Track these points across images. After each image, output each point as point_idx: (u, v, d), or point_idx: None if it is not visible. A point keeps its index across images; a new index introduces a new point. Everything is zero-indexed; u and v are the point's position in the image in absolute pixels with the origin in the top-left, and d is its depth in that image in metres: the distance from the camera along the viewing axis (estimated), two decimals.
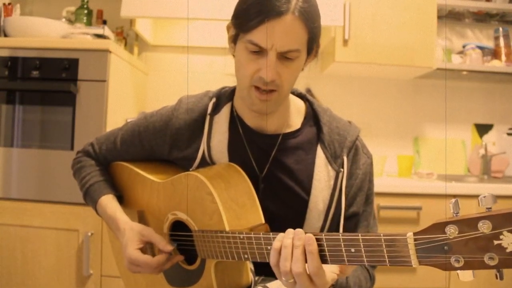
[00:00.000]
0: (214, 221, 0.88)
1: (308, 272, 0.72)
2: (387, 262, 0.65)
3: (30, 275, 1.80)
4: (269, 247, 0.78)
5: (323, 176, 0.98)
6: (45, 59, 1.81)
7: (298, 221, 0.98)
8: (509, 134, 2.54)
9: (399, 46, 2.12)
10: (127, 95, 2.12)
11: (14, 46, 1.83)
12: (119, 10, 1.97)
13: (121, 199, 1.15)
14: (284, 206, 0.99)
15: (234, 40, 0.93)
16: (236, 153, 1.01)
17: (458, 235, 0.58)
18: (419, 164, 2.50)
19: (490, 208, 0.57)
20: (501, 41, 2.40)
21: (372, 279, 1.03)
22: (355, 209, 1.00)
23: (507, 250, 0.54)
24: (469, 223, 0.57)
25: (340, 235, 0.70)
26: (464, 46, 2.42)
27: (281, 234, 0.76)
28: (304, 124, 1.03)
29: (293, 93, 1.07)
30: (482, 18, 2.53)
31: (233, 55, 0.96)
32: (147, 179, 1.08)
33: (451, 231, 0.58)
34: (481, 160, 2.41)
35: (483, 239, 0.56)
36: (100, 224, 1.76)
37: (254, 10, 0.85)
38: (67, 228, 1.78)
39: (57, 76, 1.80)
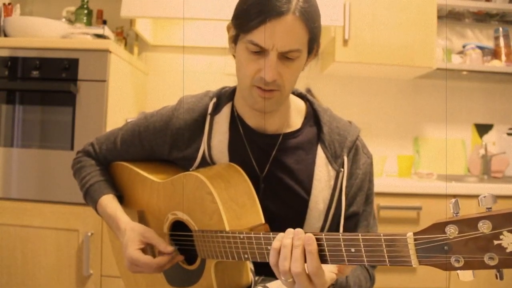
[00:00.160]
0: (214, 221, 0.88)
1: (307, 272, 0.72)
2: (387, 262, 0.65)
3: (30, 275, 1.80)
4: (269, 247, 0.78)
5: (323, 176, 0.98)
6: (45, 59, 1.81)
7: (298, 221, 0.98)
8: (509, 134, 2.54)
9: (399, 46, 2.12)
10: (127, 95, 2.12)
11: (14, 46, 1.83)
12: (119, 10, 1.96)
13: (121, 199, 1.15)
14: (284, 206, 0.99)
15: (234, 40, 0.93)
16: (236, 153, 1.01)
17: (458, 235, 0.58)
18: (419, 164, 2.50)
19: (490, 208, 0.57)
20: (501, 41, 2.40)
21: (372, 279, 1.03)
22: (355, 209, 1.00)
23: (507, 250, 0.54)
24: (469, 223, 0.57)
25: (340, 235, 0.70)
26: (464, 46, 2.42)
27: (280, 234, 0.76)
28: (304, 124, 1.03)
29: (293, 93, 1.07)
30: (482, 18, 2.53)
31: (234, 56, 0.96)
32: (147, 179, 1.08)
33: (451, 231, 0.58)
34: (481, 160, 2.41)
35: (483, 239, 0.56)
36: (100, 224, 1.76)
37: (255, 11, 0.85)
38: (67, 228, 1.78)
39: (57, 76, 1.80)
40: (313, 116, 1.04)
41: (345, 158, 0.98)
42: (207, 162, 1.01)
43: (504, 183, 2.05)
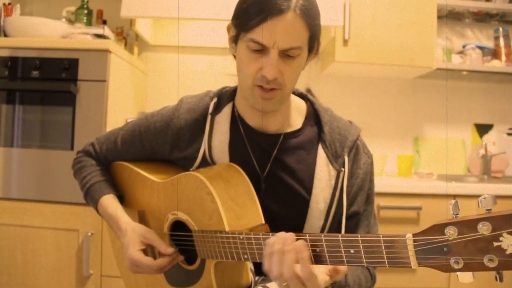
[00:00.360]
0: (213, 221, 0.88)
1: (300, 276, 0.73)
2: (386, 263, 0.65)
3: (30, 275, 1.80)
4: None
5: (324, 176, 0.98)
6: (45, 59, 1.81)
7: (299, 220, 0.98)
8: (509, 134, 2.54)
9: (399, 46, 2.12)
10: (127, 95, 2.12)
11: (14, 46, 1.83)
12: (119, 10, 1.96)
13: (122, 199, 1.15)
14: (285, 205, 0.99)
15: (235, 40, 0.93)
16: (237, 153, 1.01)
17: (458, 236, 0.58)
18: (419, 164, 2.50)
19: (490, 209, 0.57)
20: (501, 41, 2.40)
21: (373, 278, 1.03)
22: (355, 208, 1.00)
23: (507, 252, 0.54)
24: (469, 225, 0.57)
25: (340, 236, 0.70)
26: (464, 46, 2.42)
27: (272, 239, 0.76)
28: (305, 123, 1.03)
29: (294, 93, 1.07)
30: (482, 18, 2.52)
31: (234, 56, 0.96)
32: (147, 179, 1.08)
33: (451, 233, 0.58)
34: (481, 160, 2.41)
35: (482, 241, 0.56)
36: (100, 224, 1.76)
37: (255, 9, 0.85)
38: (67, 228, 1.78)
39: (57, 76, 1.80)
40: (313, 116, 1.04)
41: (346, 158, 0.98)
42: (208, 162, 1.01)
43: (504, 183, 2.05)
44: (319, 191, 0.97)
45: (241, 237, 0.82)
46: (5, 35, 1.92)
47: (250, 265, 0.94)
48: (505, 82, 2.51)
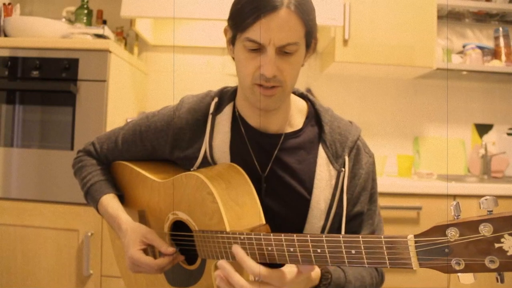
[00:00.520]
0: (214, 221, 0.88)
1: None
2: (387, 264, 0.65)
3: (30, 275, 1.80)
4: (269, 248, 0.79)
5: (324, 176, 0.98)
6: (45, 59, 1.81)
7: (299, 220, 0.98)
8: (509, 134, 2.54)
9: (399, 46, 2.12)
10: (127, 95, 2.12)
11: (14, 46, 1.83)
12: (119, 10, 1.96)
13: (122, 199, 1.15)
14: (286, 205, 0.99)
15: (232, 41, 0.93)
16: (238, 153, 1.01)
17: (459, 238, 0.58)
18: (419, 164, 2.50)
19: (491, 211, 0.57)
20: (501, 41, 2.40)
21: (380, 275, 1.03)
22: (359, 208, 1.00)
23: (508, 253, 0.54)
24: (470, 226, 0.57)
25: (341, 236, 0.70)
26: (464, 46, 2.42)
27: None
28: (306, 124, 1.03)
29: (294, 93, 1.08)
30: (482, 18, 2.53)
31: (233, 58, 0.96)
32: (148, 179, 1.08)
33: (452, 234, 0.58)
34: (481, 160, 2.41)
35: (484, 242, 0.56)
36: (100, 224, 1.76)
37: (249, 8, 0.85)
38: (67, 228, 1.78)
39: (57, 76, 1.80)
40: (314, 116, 1.04)
41: (346, 158, 0.99)
42: (209, 162, 1.01)
43: (504, 183, 2.05)
44: (319, 191, 0.97)
45: (241, 237, 0.82)
46: (5, 35, 1.92)
47: None
48: (505, 82, 2.52)
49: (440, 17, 2.33)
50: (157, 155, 1.10)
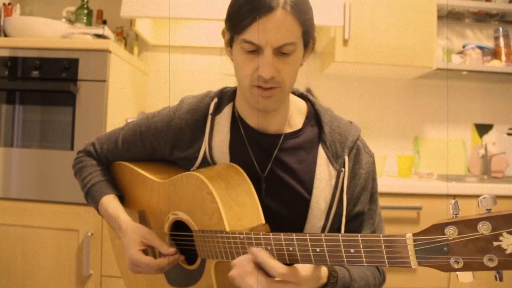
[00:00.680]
0: (214, 221, 0.88)
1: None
2: (386, 263, 0.65)
3: (30, 275, 1.80)
4: (269, 248, 0.79)
5: (324, 176, 0.98)
6: (45, 59, 1.81)
7: (299, 220, 0.98)
8: (509, 134, 2.54)
9: (399, 46, 2.12)
10: (127, 95, 2.12)
11: (14, 46, 1.83)
12: (119, 10, 1.97)
13: (123, 199, 1.15)
14: (286, 205, 0.99)
15: (230, 43, 0.94)
16: (237, 153, 1.01)
17: (458, 236, 0.58)
18: (419, 164, 2.50)
19: (490, 209, 0.57)
20: (501, 41, 2.40)
21: (382, 275, 1.03)
22: (360, 208, 1.01)
23: (507, 252, 0.54)
24: (469, 224, 0.57)
25: (340, 235, 0.70)
26: (464, 46, 2.42)
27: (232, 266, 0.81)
28: (305, 124, 1.03)
29: (294, 93, 1.08)
30: (482, 18, 2.53)
31: (232, 60, 0.96)
32: (148, 179, 1.08)
33: (451, 232, 0.58)
34: (481, 160, 2.41)
35: (482, 241, 0.56)
36: (100, 224, 1.76)
37: (245, 10, 0.85)
38: (67, 228, 1.79)
39: (57, 76, 1.80)
40: (314, 116, 1.04)
41: (346, 158, 0.99)
42: (208, 162, 1.01)
43: (504, 183, 2.05)
44: (319, 191, 0.97)
45: (241, 237, 0.82)
46: (5, 35, 1.92)
47: None
48: (505, 82, 2.52)
49: (440, 17, 2.33)
50: (157, 155, 1.10)
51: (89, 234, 1.75)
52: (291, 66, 0.90)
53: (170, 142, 1.05)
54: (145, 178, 1.09)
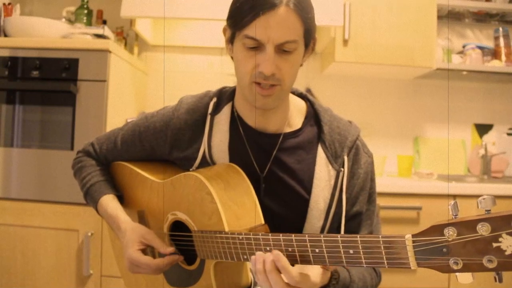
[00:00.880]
0: (213, 221, 0.88)
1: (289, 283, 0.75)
2: (386, 264, 0.65)
3: (30, 275, 1.80)
4: (268, 248, 0.79)
5: (323, 176, 0.98)
6: (45, 59, 1.81)
7: (299, 220, 0.98)
8: (509, 134, 2.54)
9: (399, 46, 2.12)
10: (127, 95, 2.12)
11: (14, 46, 1.83)
12: (119, 10, 1.96)
13: (122, 199, 1.15)
14: (285, 205, 0.99)
15: (231, 40, 0.93)
16: (237, 153, 1.01)
17: (457, 237, 0.58)
18: (419, 164, 2.49)
19: (489, 210, 0.57)
20: (501, 41, 2.39)
21: (378, 276, 1.03)
22: (358, 208, 1.01)
23: (506, 253, 0.54)
24: (468, 225, 0.57)
25: (339, 236, 0.70)
26: (464, 46, 2.42)
27: (253, 258, 0.79)
28: (305, 123, 1.03)
29: (293, 93, 1.08)
30: (482, 18, 2.52)
31: (232, 58, 0.96)
32: (147, 179, 1.08)
33: (450, 233, 0.58)
34: (481, 160, 2.41)
35: (482, 242, 0.56)
36: (100, 224, 1.76)
37: (248, 6, 0.86)
38: (67, 228, 1.78)
39: (57, 76, 1.79)
40: (313, 116, 1.04)
41: (346, 158, 0.99)
42: (207, 162, 1.01)
43: (504, 183, 2.05)
44: (319, 191, 0.97)
45: (240, 237, 0.82)
46: (5, 35, 1.92)
47: (249, 265, 0.94)
48: (505, 82, 2.51)
49: (440, 17, 2.33)
50: (156, 155, 1.10)
51: (89, 234, 1.75)
52: (291, 64, 0.90)
53: (169, 142, 1.05)
54: (145, 178, 1.09)
